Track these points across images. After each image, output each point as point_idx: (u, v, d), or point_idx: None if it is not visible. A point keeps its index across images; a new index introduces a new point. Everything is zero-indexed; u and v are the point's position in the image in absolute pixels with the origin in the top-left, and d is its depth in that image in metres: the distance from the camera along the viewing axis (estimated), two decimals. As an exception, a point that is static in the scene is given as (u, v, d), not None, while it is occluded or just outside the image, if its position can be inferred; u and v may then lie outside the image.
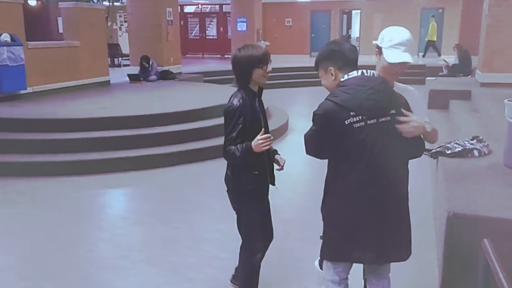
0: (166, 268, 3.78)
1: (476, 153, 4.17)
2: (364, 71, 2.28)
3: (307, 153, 2.43)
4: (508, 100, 3.76)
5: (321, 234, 2.53)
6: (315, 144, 2.37)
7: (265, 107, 3.31)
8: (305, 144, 2.41)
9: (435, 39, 18.46)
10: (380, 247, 2.36)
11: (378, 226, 2.32)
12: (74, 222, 4.77)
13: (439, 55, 18.39)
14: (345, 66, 2.32)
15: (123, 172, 6.25)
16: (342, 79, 2.29)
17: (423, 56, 18.71)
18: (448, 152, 4.17)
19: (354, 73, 2.28)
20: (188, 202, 5.33)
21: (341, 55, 2.32)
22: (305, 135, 2.40)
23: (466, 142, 4.33)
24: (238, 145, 2.70)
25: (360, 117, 2.18)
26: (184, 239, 4.33)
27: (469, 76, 11.87)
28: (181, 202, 5.32)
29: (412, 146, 2.37)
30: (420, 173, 6.01)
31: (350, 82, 2.25)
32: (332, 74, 2.34)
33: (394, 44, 2.42)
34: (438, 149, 4.29)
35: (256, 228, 3.01)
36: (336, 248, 2.43)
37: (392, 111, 2.25)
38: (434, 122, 8.06)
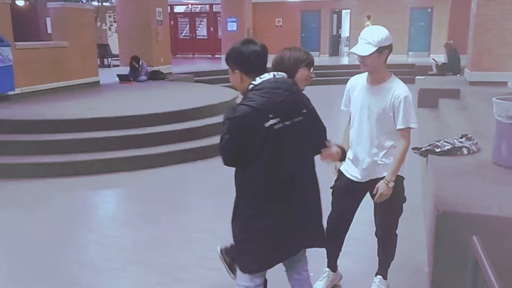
0: (156, 269, 3.76)
1: (465, 151, 4.19)
2: (276, 73, 2.32)
3: (225, 163, 2.40)
4: (496, 99, 3.79)
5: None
6: (231, 152, 2.33)
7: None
8: (221, 154, 2.38)
9: None
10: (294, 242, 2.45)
11: (292, 228, 2.40)
12: (63, 224, 4.73)
13: None
14: (252, 71, 2.32)
15: (112, 173, 6.21)
16: (255, 82, 2.29)
17: None
18: (438, 150, 4.20)
19: (266, 76, 2.30)
20: (178, 202, 5.31)
21: (247, 61, 2.31)
22: (219, 145, 2.37)
23: (455, 140, 4.36)
24: None
25: (278, 119, 2.24)
26: (174, 240, 4.31)
27: (458, 75, 11.95)
28: (171, 203, 5.30)
29: (315, 143, 2.51)
30: (410, 171, 6.03)
31: (265, 86, 2.27)
32: (238, 77, 2.35)
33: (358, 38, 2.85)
34: (428, 147, 4.32)
35: None
36: (260, 259, 2.40)
37: (304, 110, 2.37)
38: (424, 121, 8.11)
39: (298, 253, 2.54)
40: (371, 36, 2.76)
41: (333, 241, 3.21)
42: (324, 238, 2.62)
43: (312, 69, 2.70)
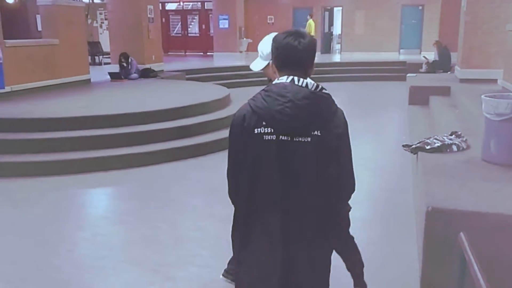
0: (147, 268, 3.76)
1: (454, 148, 4.22)
2: (296, 78, 1.88)
3: (232, 197, 2.05)
4: (485, 96, 3.82)
5: None
6: (238, 175, 1.96)
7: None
8: (228, 186, 2.05)
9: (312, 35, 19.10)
10: None
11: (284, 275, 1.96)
12: (54, 222, 4.71)
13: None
14: (281, 67, 1.96)
15: (103, 172, 6.18)
16: (274, 82, 1.95)
17: None
18: (428, 147, 4.22)
19: (283, 79, 1.91)
20: (170, 200, 5.31)
21: (275, 52, 1.97)
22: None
23: (445, 138, 4.39)
24: None
25: (271, 129, 1.86)
26: (165, 238, 4.30)
27: (448, 73, 12.04)
28: (162, 201, 5.29)
29: (335, 184, 1.95)
30: (401, 168, 6.09)
31: (272, 89, 1.90)
32: (275, 72, 2.01)
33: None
34: (418, 144, 4.35)
35: None
36: None
37: (315, 132, 1.86)
38: (415, 118, 8.10)
39: None
40: (260, 48, 2.70)
41: None
42: None
43: None
